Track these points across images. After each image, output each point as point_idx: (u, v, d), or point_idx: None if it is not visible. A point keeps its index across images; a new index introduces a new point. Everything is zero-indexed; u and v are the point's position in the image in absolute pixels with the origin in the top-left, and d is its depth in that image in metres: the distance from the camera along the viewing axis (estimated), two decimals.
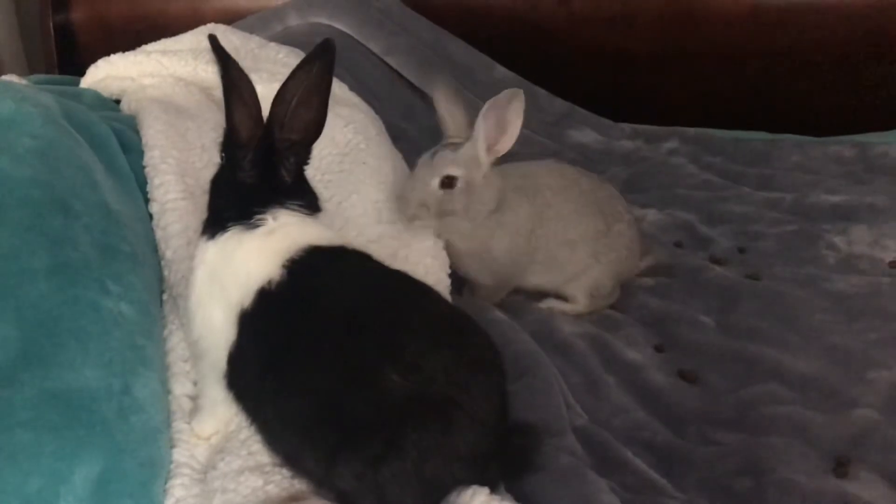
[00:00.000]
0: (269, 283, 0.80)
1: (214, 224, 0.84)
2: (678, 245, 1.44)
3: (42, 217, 0.80)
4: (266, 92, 1.26)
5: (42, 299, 0.75)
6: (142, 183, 1.04)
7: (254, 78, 1.25)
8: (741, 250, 1.41)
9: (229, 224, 0.83)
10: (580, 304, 1.21)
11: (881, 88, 2.04)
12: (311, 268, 0.81)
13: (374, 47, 1.83)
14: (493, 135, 1.08)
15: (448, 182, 1.08)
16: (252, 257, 0.81)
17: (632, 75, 2.06)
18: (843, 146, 1.76)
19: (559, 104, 1.94)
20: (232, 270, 0.81)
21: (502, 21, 2.13)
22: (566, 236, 1.17)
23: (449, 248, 1.13)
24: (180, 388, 0.89)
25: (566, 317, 1.19)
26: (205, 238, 0.84)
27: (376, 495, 0.76)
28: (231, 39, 1.43)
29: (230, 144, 0.84)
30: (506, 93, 1.04)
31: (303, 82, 0.83)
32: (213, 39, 0.85)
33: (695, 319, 1.21)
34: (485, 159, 1.09)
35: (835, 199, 1.53)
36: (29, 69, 2.33)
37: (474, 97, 1.83)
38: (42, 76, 1.41)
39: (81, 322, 0.77)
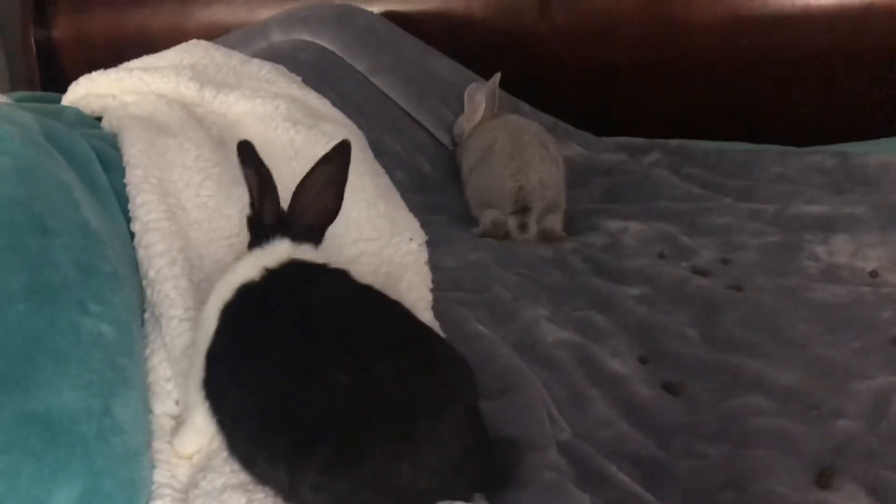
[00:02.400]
0: (250, 281, 0.88)
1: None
2: (661, 256, 1.45)
3: (20, 237, 0.80)
4: (249, 108, 1.27)
5: (20, 321, 0.75)
6: (123, 202, 1.04)
7: (236, 94, 1.25)
8: (724, 261, 1.42)
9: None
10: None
11: (860, 98, 2.06)
12: (287, 276, 0.89)
13: (359, 65, 1.83)
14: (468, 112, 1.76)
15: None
16: (244, 265, 0.91)
17: (614, 88, 2.08)
18: (823, 156, 1.78)
19: (543, 118, 1.95)
20: (229, 275, 0.91)
21: (485, 35, 2.15)
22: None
23: None
24: (161, 408, 0.89)
25: (549, 324, 1.19)
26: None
27: None
28: (213, 56, 1.43)
29: (256, 224, 0.94)
30: (471, 86, 1.74)
31: (321, 177, 0.93)
32: (244, 147, 0.92)
33: (678, 330, 1.22)
34: (466, 127, 1.76)
35: (816, 209, 1.54)
36: (11, 86, 2.33)
37: (459, 113, 1.84)
38: (24, 93, 1.40)
39: (60, 343, 0.76)
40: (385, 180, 1.27)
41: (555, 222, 1.54)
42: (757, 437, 0.98)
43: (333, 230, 1.00)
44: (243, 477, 0.84)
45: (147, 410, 0.87)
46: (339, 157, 0.94)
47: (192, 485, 0.84)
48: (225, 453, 0.86)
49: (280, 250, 0.90)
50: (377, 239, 1.12)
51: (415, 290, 1.08)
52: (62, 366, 0.75)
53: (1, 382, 0.71)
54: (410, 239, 1.18)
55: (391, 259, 1.11)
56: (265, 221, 0.92)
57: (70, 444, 0.72)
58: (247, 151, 0.92)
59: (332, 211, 0.95)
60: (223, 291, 0.88)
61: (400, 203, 1.29)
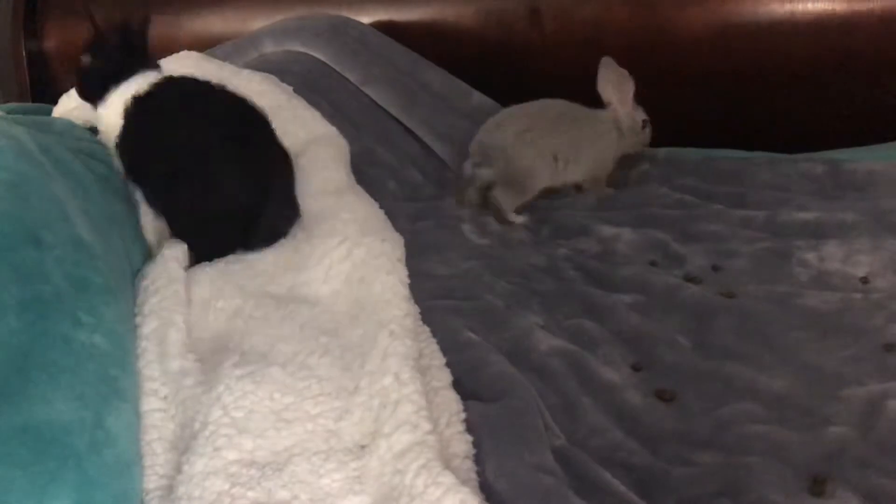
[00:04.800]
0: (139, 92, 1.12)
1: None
2: (653, 264, 1.45)
3: (13, 250, 0.80)
4: None
5: (12, 334, 0.75)
6: (116, 214, 1.04)
7: None
8: (715, 268, 1.42)
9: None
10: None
11: (849, 105, 2.07)
12: (174, 83, 1.15)
13: (351, 76, 1.84)
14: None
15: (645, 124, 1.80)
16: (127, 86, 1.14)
17: None
18: (813, 163, 1.79)
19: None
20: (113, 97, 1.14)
21: (476, 45, 2.15)
22: None
23: None
24: (147, 405, 0.89)
25: (542, 332, 1.20)
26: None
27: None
28: (205, 67, 1.43)
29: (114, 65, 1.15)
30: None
31: None
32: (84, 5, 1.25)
33: (670, 338, 1.22)
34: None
35: (806, 215, 1.55)
36: (1, 97, 2.32)
37: (452, 123, 1.85)
38: (14, 105, 1.41)
39: (53, 355, 0.77)
40: (357, 190, 1.30)
41: (501, 196, 1.58)
42: (750, 445, 0.99)
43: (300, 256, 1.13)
44: (226, 455, 0.84)
45: (139, 421, 0.87)
46: None
47: (176, 470, 0.84)
48: (207, 432, 0.86)
49: (153, 75, 1.14)
50: (344, 241, 1.14)
51: (391, 288, 1.08)
52: (54, 378, 0.75)
53: None
54: (383, 240, 1.18)
55: (366, 261, 1.12)
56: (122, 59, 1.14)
57: (62, 455, 0.72)
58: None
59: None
60: (118, 105, 1.12)
61: (376, 210, 1.30)
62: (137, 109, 1.11)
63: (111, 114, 1.13)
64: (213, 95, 1.15)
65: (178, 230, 1.13)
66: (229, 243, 1.13)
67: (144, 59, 1.16)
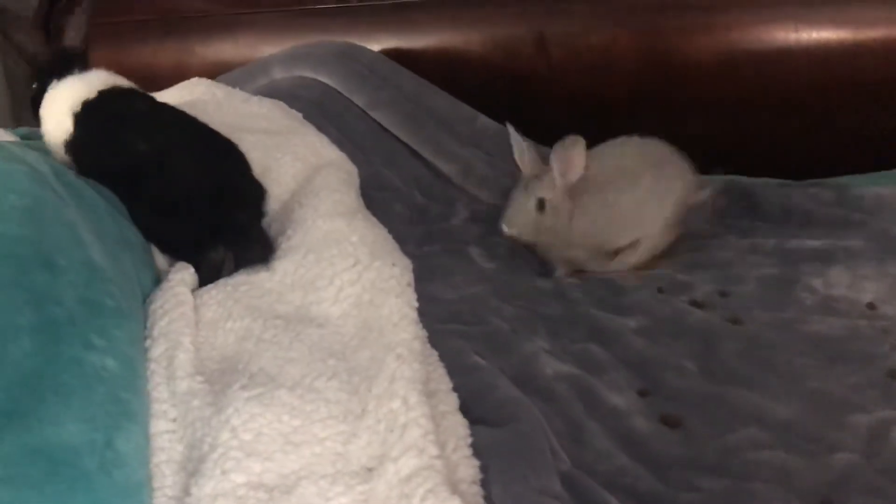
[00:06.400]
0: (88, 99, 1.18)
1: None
2: (660, 290, 1.45)
3: (27, 274, 0.81)
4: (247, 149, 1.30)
5: (26, 357, 0.76)
6: (127, 238, 1.05)
7: (233, 139, 1.29)
8: (722, 294, 1.42)
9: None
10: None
11: (856, 131, 2.08)
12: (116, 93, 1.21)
13: (359, 101, 1.86)
14: (562, 168, 1.46)
15: (541, 204, 1.47)
16: (73, 89, 1.20)
17: (610, 122, 2.08)
18: (820, 188, 1.79)
19: (544, 151, 1.97)
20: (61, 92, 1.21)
21: (483, 72, 2.18)
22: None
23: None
24: (156, 427, 0.89)
25: (548, 357, 1.20)
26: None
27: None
28: (215, 93, 1.46)
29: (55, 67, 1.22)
30: (570, 139, 1.45)
31: None
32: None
33: (677, 363, 1.22)
34: (560, 185, 1.47)
35: (813, 242, 1.55)
36: (13, 121, 2.35)
37: (458, 147, 1.86)
38: (26, 129, 1.42)
39: (64, 377, 0.77)
40: (366, 214, 1.31)
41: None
42: (756, 471, 0.99)
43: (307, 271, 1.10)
44: (235, 479, 0.83)
45: (149, 444, 0.87)
46: None
47: (184, 492, 0.84)
48: (216, 455, 0.86)
49: (100, 77, 1.23)
50: (356, 265, 1.14)
51: (398, 311, 1.09)
52: (65, 399, 0.76)
53: (4, 416, 0.72)
54: (393, 264, 1.19)
55: (374, 283, 1.12)
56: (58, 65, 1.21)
57: (72, 476, 0.73)
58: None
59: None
60: (62, 104, 1.18)
61: (385, 233, 1.31)
62: (90, 109, 1.17)
63: (52, 112, 1.19)
64: (158, 102, 1.25)
65: (143, 230, 1.16)
66: (195, 241, 1.16)
67: (81, 64, 1.23)
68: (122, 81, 1.26)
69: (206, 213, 1.15)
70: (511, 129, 1.53)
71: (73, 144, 1.18)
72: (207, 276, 1.14)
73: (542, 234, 1.50)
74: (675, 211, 1.56)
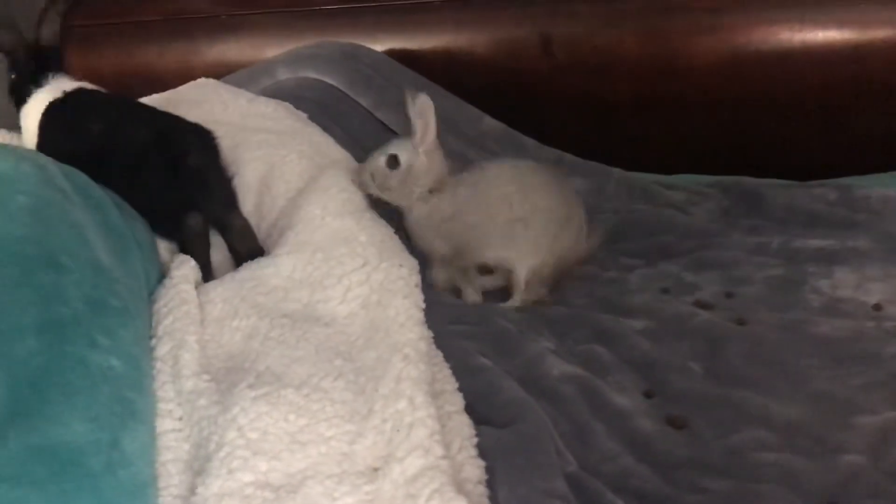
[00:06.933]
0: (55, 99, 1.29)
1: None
2: (665, 291, 1.45)
3: (33, 273, 0.81)
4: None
5: (31, 356, 0.76)
6: (133, 238, 1.06)
7: (239, 138, 1.28)
8: (728, 295, 1.42)
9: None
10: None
11: (861, 133, 2.08)
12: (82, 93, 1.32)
13: (363, 101, 1.86)
14: (421, 126, 1.36)
15: (392, 160, 1.37)
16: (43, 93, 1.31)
17: (615, 123, 2.10)
18: (826, 189, 1.79)
19: (548, 152, 1.96)
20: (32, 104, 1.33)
21: (488, 73, 2.17)
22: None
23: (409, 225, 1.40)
24: (162, 426, 0.90)
25: (554, 357, 1.20)
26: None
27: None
28: (221, 94, 1.46)
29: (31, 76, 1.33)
30: (420, 98, 1.34)
31: None
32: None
33: (682, 364, 1.22)
34: (419, 147, 1.37)
35: (819, 242, 1.55)
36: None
37: (463, 148, 1.86)
38: None
39: (69, 377, 0.78)
40: (373, 213, 1.31)
41: None
42: (761, 472, 0.98)
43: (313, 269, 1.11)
44: (241, 478, 0.84)
45: (155, 443, 0.87)
46: None
47: (190, 491, 0.84)
48: (222, 454, 0.86)
49: (66, 82, 1.32)
50: (364, 265, 1.14)
51: (405, 311, 1.09)
52: (71, 399, 0.76)
53: (9, 415, 0.72)
54: (400, 265, 1.19)
55: (382, 284, 1.12)
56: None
57: (78, 476, 0.73)
58: None
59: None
60: (36, 109, 1.29)
61: (391, 233, 1.30)
62: (56, 111, 1.28)
63: (30, 118, 1.31)
64: (123, 99, 1.34)
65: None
66: (166, 205, 1.20)
67: (56, 71, 1.34)
68: (89, 85, 1.34)
69: (159, 163, 1.19)
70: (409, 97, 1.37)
71: (40, 145, 1.27)
72: (193, 248, 1.18)
73: (391, 193, 1.38)
74: (554, 242, 1.41)
